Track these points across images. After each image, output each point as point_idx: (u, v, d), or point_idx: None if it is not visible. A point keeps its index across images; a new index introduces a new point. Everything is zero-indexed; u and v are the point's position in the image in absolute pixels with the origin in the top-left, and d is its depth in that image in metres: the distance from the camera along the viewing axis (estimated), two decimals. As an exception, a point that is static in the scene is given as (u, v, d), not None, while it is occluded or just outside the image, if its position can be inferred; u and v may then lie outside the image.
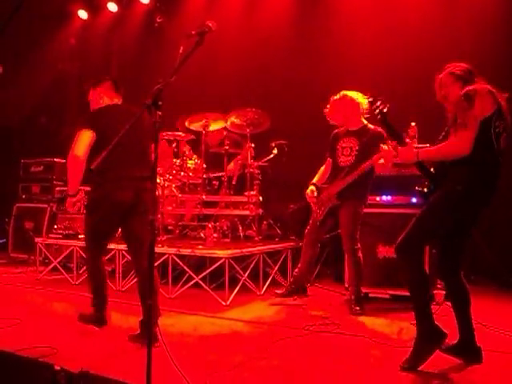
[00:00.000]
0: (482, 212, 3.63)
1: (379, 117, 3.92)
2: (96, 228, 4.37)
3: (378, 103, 3.91)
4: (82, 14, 10.61)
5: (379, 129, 5.29)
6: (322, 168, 5.77)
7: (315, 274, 6.38)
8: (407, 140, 3.78)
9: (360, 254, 5.36)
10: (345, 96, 5.49)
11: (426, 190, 3.74)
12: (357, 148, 5.43)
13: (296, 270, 5.79)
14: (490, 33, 6.86)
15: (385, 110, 3.90)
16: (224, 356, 3.83)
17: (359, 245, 5.38)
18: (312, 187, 5.61)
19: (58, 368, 2.66)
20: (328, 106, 5.62)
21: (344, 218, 5.36)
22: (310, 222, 5.68)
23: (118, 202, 4.17)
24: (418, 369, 3.51)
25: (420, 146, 4.19)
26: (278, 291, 5.71)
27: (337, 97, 5.55)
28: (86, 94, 4.69)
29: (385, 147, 3.97)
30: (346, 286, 5.73)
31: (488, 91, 3.48)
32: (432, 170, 3.73)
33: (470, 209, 3.59)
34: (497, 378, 3.44)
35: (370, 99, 4.01)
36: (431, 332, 3.57)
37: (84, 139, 4.21)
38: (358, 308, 5.20)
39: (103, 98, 4.56)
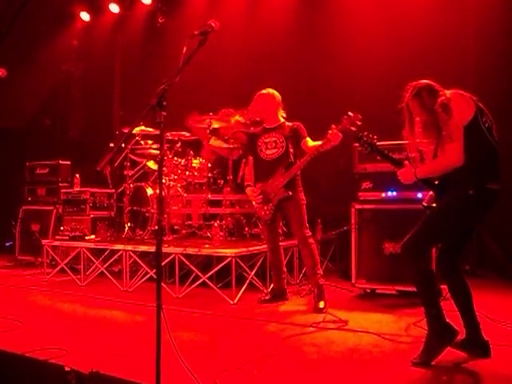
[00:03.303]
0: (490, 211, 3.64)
1: (369, 149, 3.98)
2: None
3: (365, 138, 3.98)
4: (84, 16, 10.62)
5: (295, 123, 5.54)
6: (248, 168, 5.80)
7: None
8: (405, 162, 3.83)
9: (312, 241, 5.40)
10: (272, 93, 5.59)
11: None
12: (282, 140, 5.49)
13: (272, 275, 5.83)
14: (495, 25, 6.85)
15: (374, 141, 3.97)
16: (233, 354, 3.84)
17: (310, 232, 5.44)
18: (250, 188, 5.63)
19: (69, 369, 2.67)
20: (254, 100, 5.68)
21: (291, 209, 5.40)
22: (265, 228, 5.68)
23: None
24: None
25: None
26: (263, 297, 5.70)
27: (264, 92, 5.61)
28: None
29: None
30: (353, 282, 5.74)
31: (459, 94, 3.55)
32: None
33: (480, 211, 3.60)
34: (505, 371, 3.44)
35: (358, 135, 4.07)
36: (442, 329, 3.56)
37: None
38: (321, 306, 5.16)
39: None
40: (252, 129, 6.69)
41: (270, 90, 5.62)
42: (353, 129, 4.87)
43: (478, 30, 6.99)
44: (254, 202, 5.61)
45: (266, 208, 5.48)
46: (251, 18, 8.98)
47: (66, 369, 2.68)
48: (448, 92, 3.59)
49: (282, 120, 5.64)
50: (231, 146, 6.84)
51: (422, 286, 3.67)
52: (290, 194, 5.35)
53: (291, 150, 5.47)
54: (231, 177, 6.91)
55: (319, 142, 5.23)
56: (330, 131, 5.03)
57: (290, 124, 5.59)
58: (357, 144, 4.13)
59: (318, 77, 7.95)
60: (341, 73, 7.80)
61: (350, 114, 4.87)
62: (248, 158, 5.83)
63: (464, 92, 3.59)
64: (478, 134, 3.47)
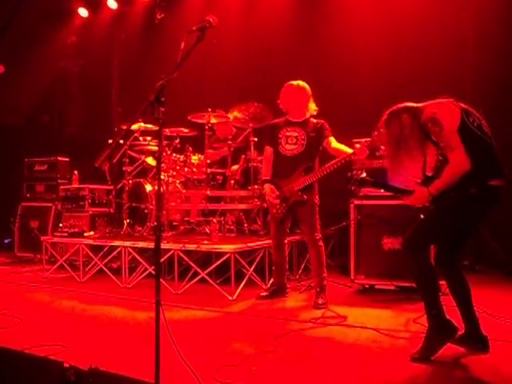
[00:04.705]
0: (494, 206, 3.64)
1: (363, 185, 3.97)
2: None
3: (354, 177, 3.96)
4: (83, 12, 10.59)
5: (320, 121, 5.48)
6: (265, 161, 5.68)
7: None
8: (416, 185, 3.78)
9: (321, 243, 5.40)
10: (302, 86, 5.50)
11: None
12: (303, 137, 5.41)
13: (272, 271, 5.83)
14: (493, 17, 6.84)
15: (363, 176, 3.96)
16: (231, 350, 3.84)
17: (320, 235, 5.42)
18: (270, 185, 5.51)
19: (68, 365, 2.67)
20: (283, 90, 5.57)
21: (304, 212, 5.37)
22: (273, 225, 5.65)
23: None
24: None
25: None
26: (262, 293, 5.69)
27: (294, 83, 5.52)
28: None
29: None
30: (352, 277, 5.74)
31: (439, 104, 3.58)
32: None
33: (483, 208, 3.60)
34: (504, 367, 3.44)
35: (348, 177, 4.06)
36: (442, 325, 3.58)
37: None
38: (320, 302, 5.18)
39: None
40: (251, 124, 6.70)
41: (301, 83, 5.51)
42: (382, 147, 4.85)
43: (476, 22, 6.97)
44: (269, 198, 5.51)
45: (278, 207, 5.43)
46: (249, 14, 8.96)
47: (65, 365, 2.68)
48: (428, 104, 3.62)
49: (308, 116, 5.53)
50: (247, 118, 6.77)
51: (423, 282, 3.68)
52: (305, 198, 5.29)
53: (312, 150, 5.39)
54: (229, 173, 6.90)
55: (343, 146, 5.20)
56: (357, 145, 4.99)
57: (315, 121, 5.50)
58: (351, 186, 4.13)
59: (317, 73, 7.92)
60: (339, 69, 7.80)
61: (381, 130, 4.79)
62: (266, 150, 5.70)
63: (442, 99, 3.62)
64: (469, 135, 3.47)
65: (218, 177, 7.17)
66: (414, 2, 7.46)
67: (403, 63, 7.11)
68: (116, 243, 6.46)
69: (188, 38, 3.09)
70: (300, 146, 5.41)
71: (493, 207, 3.58)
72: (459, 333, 3.65)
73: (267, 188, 5.52)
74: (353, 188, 4.13)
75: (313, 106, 5.55)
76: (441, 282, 4.94)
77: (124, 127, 7.09)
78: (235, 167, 6.97)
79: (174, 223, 7.12)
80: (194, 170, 6.99)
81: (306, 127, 5.46)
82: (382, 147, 4.90)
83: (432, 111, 3.54)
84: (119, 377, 2.66)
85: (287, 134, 5.50)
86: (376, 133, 4.77)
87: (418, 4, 7.40)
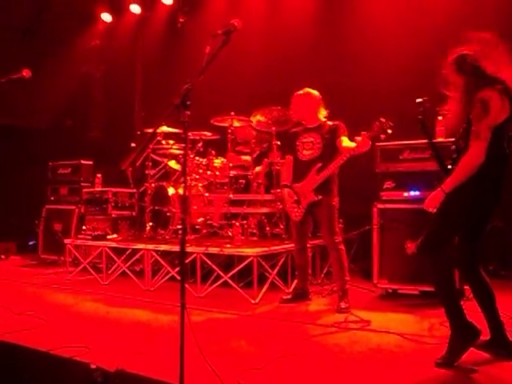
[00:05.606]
0: (496, 207, 3.60)
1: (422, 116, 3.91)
2: None
3: (425, 107, 3.90)
4: (106, 17, 10.70)
5: (336, 122, 5.50)
6: (285, 167, 5.79)
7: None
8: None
9: (342, 247, 5.38)
10: (308, 93, 5.58)
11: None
12: (319, 141, 5.46)
13: (296, 275, 5.84)
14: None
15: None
16: (255, 354, 3.84)
17: (340, 238, 5.43)
18: (287, 189, 5.57)
19: (94, 367, 2.69)
20: (292, 102, 5.68)
21: (322, 214, 5.37)
22: (293, 229, 5.68)
23: None
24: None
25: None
26: (285, 297, 5.69)
27: (300, 92, 5.61)
28: None
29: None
30: (375, 282, 5.70)
31: (502, 97, 3.41)
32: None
33: (486, 206, 3.57)
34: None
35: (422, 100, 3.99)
36: (464, 329, 3.53)
37: None
38: (343, 306, 5.16)
39: None
40: (273, 128, 6.71)
41: (307, 90, 5.59)
42: (382, 136, 4.85)
43: (498, 18, 6.89)
44: (287, 203, 5.55)
45: (296, 210, 5.45)
46: (272, 16, 8.98)
47: (92, 366, 2.70)
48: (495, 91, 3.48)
49: (323, 119, 5.58)
50: (270, 122, 6.81)
51: (440, 286, 3.64)
52: (320, 197, 5.30)
53: (328, 152, 5.38)
54: (252, 176, 6.89)
55: (352, 144, 5.19)
56: (359, 138, 4.97)
57: (331, 123, 5.53)
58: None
59: (340, 76, 7.91)
60: (361, 72, 7.76)
61: (381, 120, 4.81)
62: (286, 158, 5.81)
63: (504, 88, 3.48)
64: (498, 140, 3.41)
65: (240, 180, 7.18)
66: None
67: (427, 61, 7.04)
68: (139, 246, 6.51)
69: (213, 42, 3.11)
70: (316, 149, 5.46)
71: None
72: (485, 338, 3.61)
73: (285, 192, 5.58)
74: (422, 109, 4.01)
75: (323, 111, 5.61)
76: (465, 287, 4.92)
77: (149, 130, 7.15)
78: (258, 168, 6.98)
79: (197, 226, 7.14)
80: (217, 173, 7.01)
81: (321, 131, 5.50)
82: (383, 136, 4.87)
83: (490, 93, 3.40)
84: (145, 379, 2.67)
85: (304, 140, 5.57)
86: (377, 123, 4.80)
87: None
